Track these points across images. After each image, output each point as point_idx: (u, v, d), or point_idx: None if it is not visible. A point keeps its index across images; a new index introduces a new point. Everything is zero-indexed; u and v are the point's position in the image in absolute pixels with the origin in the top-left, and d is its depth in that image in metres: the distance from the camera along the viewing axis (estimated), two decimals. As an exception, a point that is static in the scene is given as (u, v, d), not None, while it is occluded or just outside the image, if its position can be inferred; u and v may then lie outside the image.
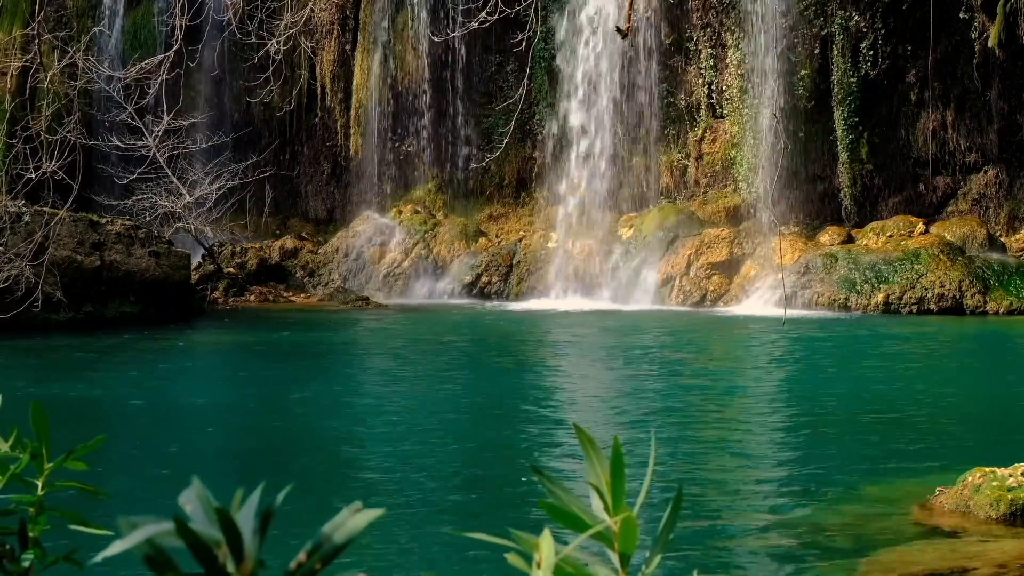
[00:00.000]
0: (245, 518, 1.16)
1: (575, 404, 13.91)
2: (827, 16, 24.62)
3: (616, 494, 1.29)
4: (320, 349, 18.94)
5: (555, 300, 24.97)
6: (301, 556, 1.16)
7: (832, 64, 24.68)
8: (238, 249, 27.27)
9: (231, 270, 26.53)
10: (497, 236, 27.06)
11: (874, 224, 24.49)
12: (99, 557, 1.26)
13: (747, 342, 19.62)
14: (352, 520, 1.19)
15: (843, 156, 24.90)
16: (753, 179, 24.95)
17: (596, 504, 1.30)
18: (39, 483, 1.69)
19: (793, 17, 24.71)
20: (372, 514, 1.19)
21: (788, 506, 8.95)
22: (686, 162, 26.00)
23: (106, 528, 1.52)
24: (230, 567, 1.13)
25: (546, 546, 1.25)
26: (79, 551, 1.73)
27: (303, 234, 28.56)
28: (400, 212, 27.67)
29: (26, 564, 1.62)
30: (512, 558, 1.30)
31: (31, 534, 1.65)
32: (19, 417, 1.73)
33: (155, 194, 25.53)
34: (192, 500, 1.19)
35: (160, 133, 18.95)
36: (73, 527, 1.74)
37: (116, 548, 1.16)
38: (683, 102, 25.96)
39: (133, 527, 1.15)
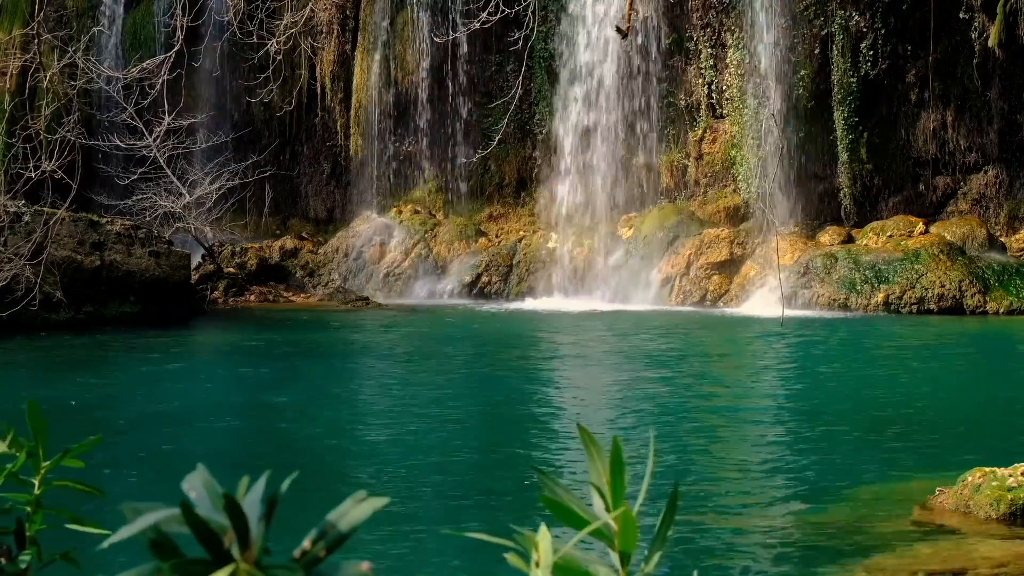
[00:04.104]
0: (250, 505, 1.16)
1: (575, 405, 13.90)
2: (827, 16, 24.61)
3: (616, 493, 1.28)
4: (320, 349, 18.92)
5: (555, 300, 24.95)
6: (306, 543, 1.16)
7: (832, 64, 24.67)
8: (238, 249, 27.26)
9: (231, 270, 26.52)
10: (497, 236, 27.05)
11: (874, 224, 24.47)
12: (105, 544, 1.26)
13: (747, 342, 19.61)
14: (357, 508, 1.19)
15: (843, 156, 24.89)
16: (753, 179, 24.93)
17: (597, 503, 1.29)
18: (36, 482, 1.68)
19: (793, 17, 24.70)
20: (377, 503, 1.19)
21: (788, 506, 8.94)
22: (686, 162, 25.98)
23: (102, 527, 1.52)
24: (235, 553, 1.13)
25: (544, 544, 1.24)
26: (76, 550, 1.72)
27: (303, 234, 28.55)
28: (400, 212, 27.66)
29: (23, 565, 1.61)
30: (512, 558, 1.29)
31: (28, 533, 1.64)
32: (16, 416, 1.72)
33: (155, 194, 25.52)
34: (196, 486, 1.18)
35: (161, 133, 18.95)
36: (70, 526, 1.74)
37: (122, 534, 1.16)
38: (683, 102, 25.95)
39: (137, 513, 1.15)
